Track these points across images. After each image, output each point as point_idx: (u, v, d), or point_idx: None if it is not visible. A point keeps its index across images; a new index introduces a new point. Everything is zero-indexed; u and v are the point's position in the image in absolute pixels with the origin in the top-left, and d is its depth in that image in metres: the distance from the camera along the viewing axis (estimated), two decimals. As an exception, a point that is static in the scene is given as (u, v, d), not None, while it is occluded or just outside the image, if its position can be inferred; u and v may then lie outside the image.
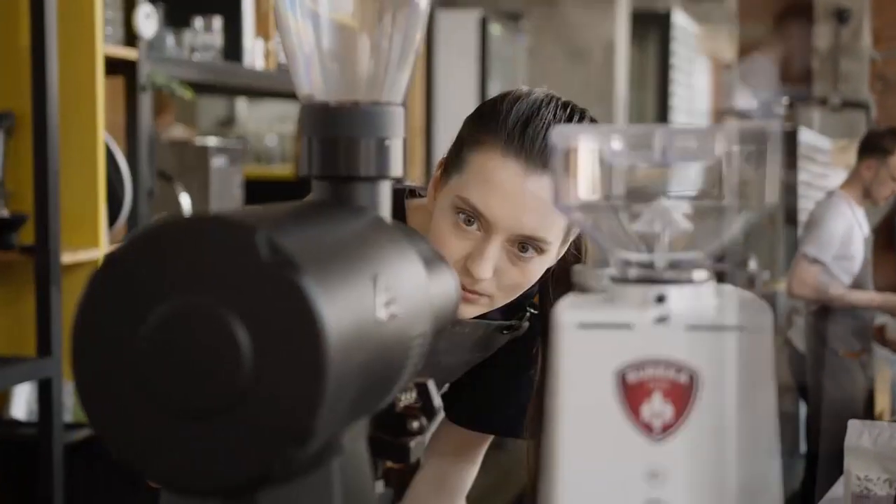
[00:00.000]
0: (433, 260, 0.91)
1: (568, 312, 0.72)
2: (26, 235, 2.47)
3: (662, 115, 7.56)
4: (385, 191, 0.85)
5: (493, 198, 1.24)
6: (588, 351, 0.72)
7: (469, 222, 1.26)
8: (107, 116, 2.66)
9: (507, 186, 1.23)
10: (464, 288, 1.27)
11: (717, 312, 0.71)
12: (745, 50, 10.15)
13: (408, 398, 0.92)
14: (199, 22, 3.08)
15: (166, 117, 4.24)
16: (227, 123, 6.41)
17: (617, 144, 0.74)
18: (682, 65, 7.82)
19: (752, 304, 0.74)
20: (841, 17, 9.54)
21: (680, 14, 7.69)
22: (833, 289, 4.16)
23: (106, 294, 0.66)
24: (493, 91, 5.85)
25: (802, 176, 7.34)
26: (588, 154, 0.74)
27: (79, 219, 2.55)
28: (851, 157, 8.75)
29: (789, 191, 7.41)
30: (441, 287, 0.90)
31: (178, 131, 4.36)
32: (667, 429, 0.70)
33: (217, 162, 3.12)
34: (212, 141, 3.25)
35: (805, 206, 7.47)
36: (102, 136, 2.56)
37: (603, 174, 0.75)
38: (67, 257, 2.48)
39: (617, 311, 0.72)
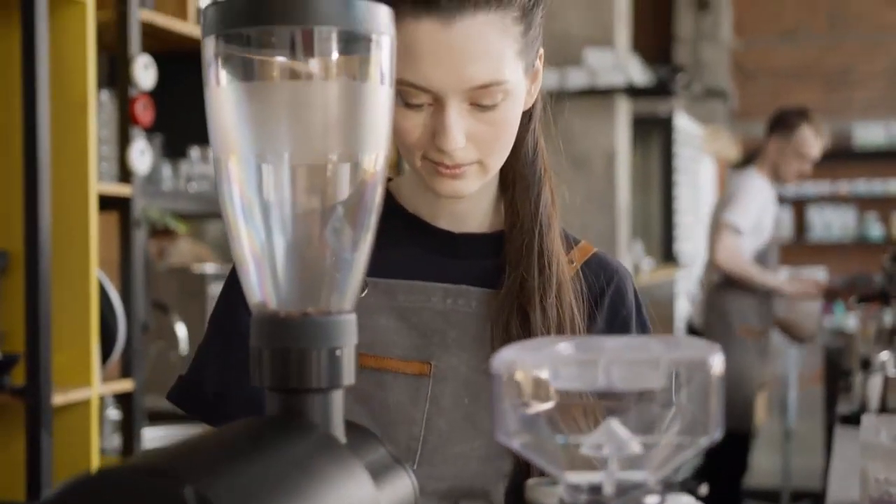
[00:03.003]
0: (386, 467, 0.89)
1: (515, 544, 0.70)
2: (17, 375, 2.46)
3: (667, 216, 7.58)
4: (337, 401, 0.84)
5: (423, 65, 1.12)
6: (535, 585, 0.70)
7: (413, 104, 1.15)
8: (101, 251, 2.67)
9: (431, 47, 1.11)
10: (446, 166, 1.17)
11: (666, 545, 0.69)
12: (748, 147, 10.25)
13: None
14: (195, 152, 3.11)
15: (178, 236, 4.25)
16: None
17: (561, 370, 0.73)
18: (686, 165, 7.87)
19: (704, 531, 0.72)
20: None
21: (682, 116, 7.75)
22: (754, 267, 4.12)
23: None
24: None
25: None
26: (531, 380, 0.73)
27: (71, 357, 2.54)
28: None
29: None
30: (393, 494, 0.88)
31: (185, 247, 4.36)
32: None
33: (215, 289, 3.12)
34: (210, 267, 3.26)
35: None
36: (96, 274, 2.56)
37: (549, 399, 0.74)
38: (59, 398, 2.46)
39: (564, 543, 0.70)
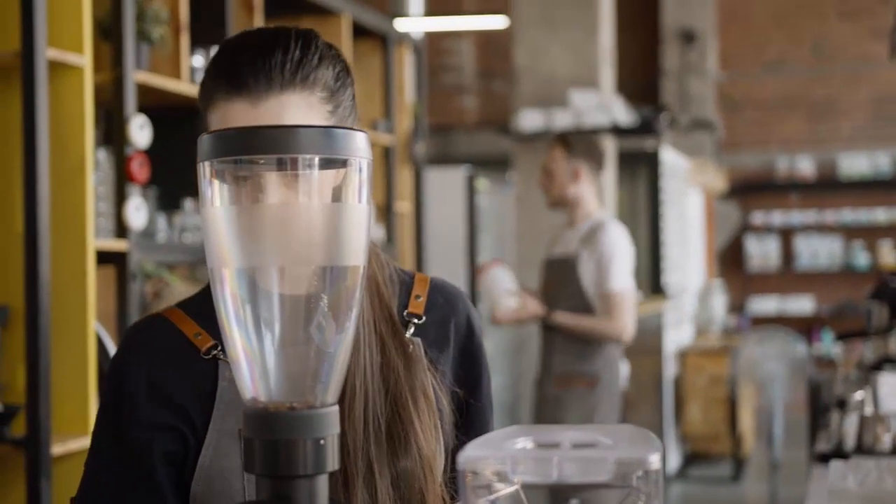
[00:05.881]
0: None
1: None
2: (17, 426, 2.55)
3: (654, 249, 7.69)
4: (322, 485, 0.93)
5: None
6: None
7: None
8: (98, 303, 2.76)
9: (241, 125, 1.20)
10: None
11: None
12: (735, 178, 10.38)
13: None
14: (189, 204, 3.21)
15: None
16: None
17: (520, 465, 0.82)
18: (672, 198, 7.98)
19: None
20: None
21: (668, 150, 7.87)
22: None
23: None
24: (483, 244, 6.00)
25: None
26: (493, 474, 0.83)
27: (70, 408, 2.62)
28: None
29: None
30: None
31: (179, 289, 4.42)
32: None
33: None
34: (202, 314, 3.34)
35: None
36: (93, 326, 2.65)
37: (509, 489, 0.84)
38: (58, 448, 2.55)
39: None
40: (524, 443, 0.87)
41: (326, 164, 0.92)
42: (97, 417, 1.32)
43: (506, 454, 0.83)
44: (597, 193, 4.09)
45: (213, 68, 1.25)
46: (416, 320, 1.34)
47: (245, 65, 1.22)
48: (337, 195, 0.93)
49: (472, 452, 0.83)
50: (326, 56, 1.26)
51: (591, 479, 0.82)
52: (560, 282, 4.00)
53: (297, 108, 1.22)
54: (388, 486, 1.25)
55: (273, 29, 1.26)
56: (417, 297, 1.36)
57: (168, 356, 1.29)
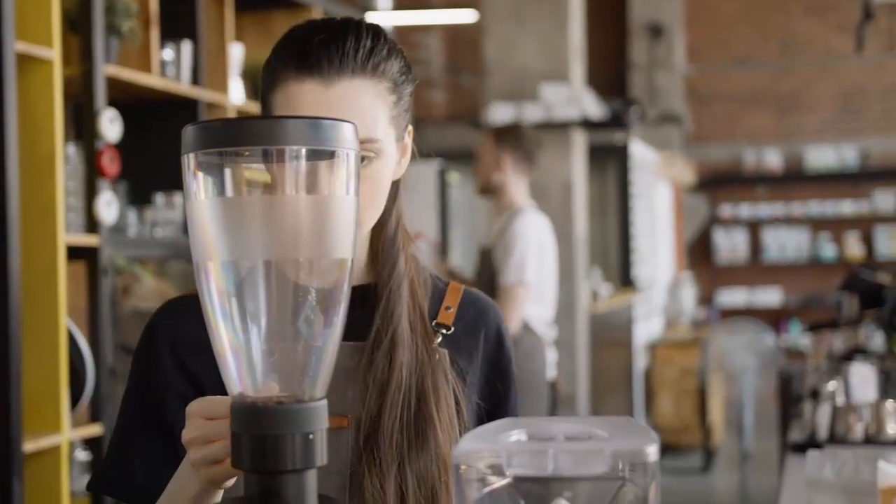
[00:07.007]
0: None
1: None
2: (-12, 424, 2.51)
3: (624, 242, 7.71)
4: (311, 480, 0.92)
5: None
6: None
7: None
8: (69, 298, 2.73)
9: (314, 106, 1.21)
10: None
11: None
12: (703, 171, 10.43)
13: None
14: (160, 198, 3.18)
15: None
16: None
17: (514, 459, 0.81)
18: (642, 191, 8.01)
19: None
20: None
21: (638, 144, 7.89)
22: None
23: None
24: (455, 238, 6.00)
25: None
26: (487, 467, 0.82)
27: (41, 405, 2.59)
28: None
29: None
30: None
31: (149, 285, 4.39)
32: None
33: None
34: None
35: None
36: (65, 323, 2.62)
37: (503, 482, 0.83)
38: (30, 445, 2.52)
39: None
40: (518, 435, 0.86)
41: (313, 155, 0.90)
42: (126, 396, 1.31)
43: (500, 447, 0.82)
44: (524, 185, 4.08)
45: (280, 50, 1.25)
46: (444, 331, 1.33)
47: (318, 47, 1.22)
48: (324, 186, 0.91)
49: (467, 445, 0.82)
50: (394, 49, 1.27)
51: (586, 472, 0.81)
52: (482, 271, 4.02)
53: (367, 93, 1.23)
54: (416, 478, 1.24)
55: (342, 19, 1.27)
56: (448, 308, 1.36)
57: (193, 336, 1.26)
